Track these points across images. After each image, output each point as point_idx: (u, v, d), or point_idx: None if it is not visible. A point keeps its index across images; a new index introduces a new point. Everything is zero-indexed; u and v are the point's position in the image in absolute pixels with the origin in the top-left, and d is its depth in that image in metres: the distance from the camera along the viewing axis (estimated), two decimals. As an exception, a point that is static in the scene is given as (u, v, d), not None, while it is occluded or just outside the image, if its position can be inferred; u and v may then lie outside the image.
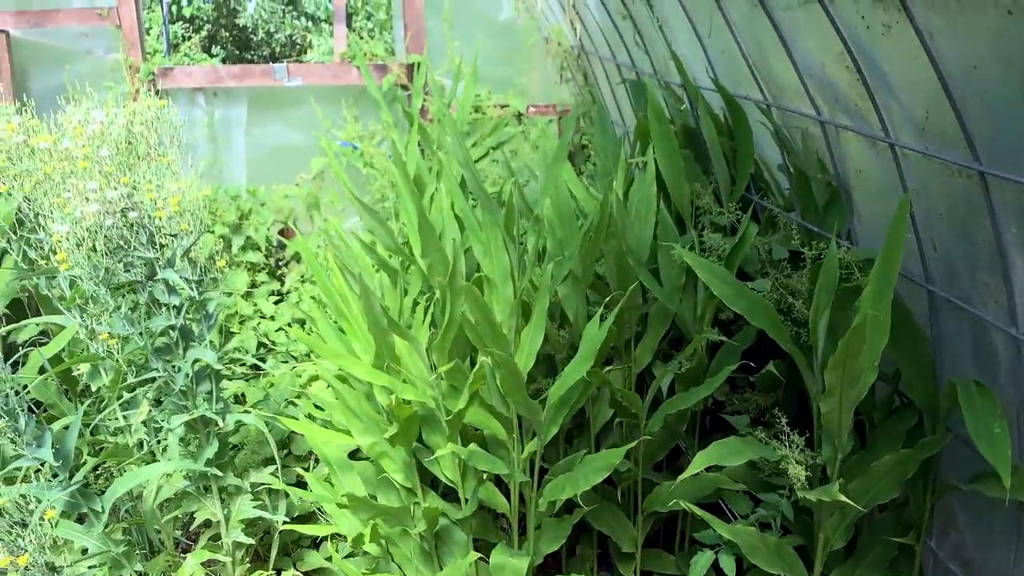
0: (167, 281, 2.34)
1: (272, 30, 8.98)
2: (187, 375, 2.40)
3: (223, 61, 8.11)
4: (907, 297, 1.96)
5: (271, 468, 2.69)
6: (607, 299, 2.37)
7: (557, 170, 2.43)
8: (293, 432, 3.02)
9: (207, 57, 7.50)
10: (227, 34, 8.85)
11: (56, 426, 2.36)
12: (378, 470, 2.48)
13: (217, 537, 2.69)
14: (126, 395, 2.54)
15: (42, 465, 2.18)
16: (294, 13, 9.16)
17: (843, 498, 1.80)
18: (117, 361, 2.48)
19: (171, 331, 2.40)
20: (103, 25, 4.64)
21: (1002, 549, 1.90)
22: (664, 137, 2.56)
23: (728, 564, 2.10)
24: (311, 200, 4.83)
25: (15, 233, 2.62)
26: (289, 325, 4.13)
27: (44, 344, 2.83)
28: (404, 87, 4.77)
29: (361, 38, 5.28)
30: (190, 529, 2.89)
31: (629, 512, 2.60)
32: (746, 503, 2.32)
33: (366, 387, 2.50)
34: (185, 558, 2.57)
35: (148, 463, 2.57)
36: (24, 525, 1.92)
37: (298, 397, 3.18)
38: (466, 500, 2.41)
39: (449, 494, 2.54)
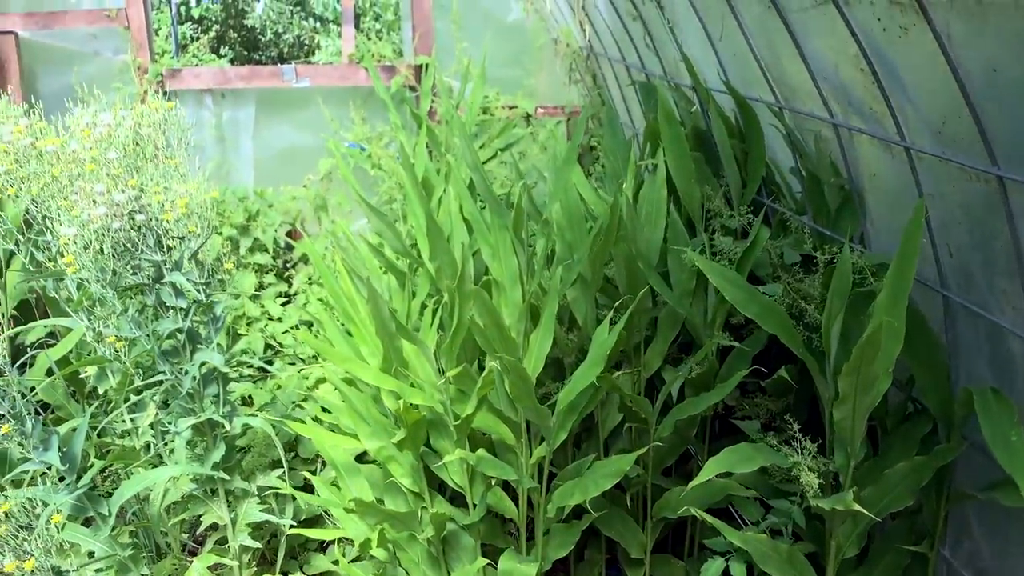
0: (174, 284, 2.33)
1: (280, 31, 8.99)
2: (194, 378, 2.39)
3: (231, 62, 8.12)
4: (922, 303, 1.93)
5: (278, 471, 2.67)
6: (617, 303, 2.35)
7: (566, 173, 2.41)
8: (300, 435, 3.01)
9: (215, 58, 7.50)
10: (235, 35, 8.86)
11: (63, 428, 2.35)
12: (385, 474, 2.47)
13: (224, 540, 2.68)
14: (133, 398, 2.54)
15: (48, 468, 2.18)
16: (302, 14, 9.17)
17: (857, 507, 1.78)
18: (124, 364, 2.48)
19: (178, 334, 2.39)
20: (112, 26, 4.65)
21: (1018, 559, 1.87)
22: (674, 139, 2.54)
23: (739, 572, 2.07)
24: (319, 202, 4.83)
25: (23, 235, 2.62)
26: (296, 327, 4.12)
27: (52, 346, 2.83)
28: (412, 88, 4.76)
29: (369, 39, 5.28)
30: (197, 532, 2.88)
31: (638, 517, 2.58)
32: (756, 509, 2.30)
33: (373, 390, 2.48)
34: (192, 561, 2.56)
35: (155, 466, 2.56)
36: (30, 529, 1.91)
37: (305, 400, 3.17)
38: (474, 505, 2.39)
39: (457, 498, 2.52)
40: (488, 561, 2.39)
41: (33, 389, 2.59)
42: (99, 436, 2.73)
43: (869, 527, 2.04)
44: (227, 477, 2.52)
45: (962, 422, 1.90)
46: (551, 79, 4.96)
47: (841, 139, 2.15)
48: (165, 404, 2.53)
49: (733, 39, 2.50)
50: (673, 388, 2.41)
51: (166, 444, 2.58)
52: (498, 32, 4.87)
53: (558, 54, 4.92)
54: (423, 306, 2.68)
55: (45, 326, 2.82)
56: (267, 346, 4.04)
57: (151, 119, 2.34)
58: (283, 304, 4.41)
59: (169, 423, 2.45)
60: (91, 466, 2.41)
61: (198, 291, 2.37)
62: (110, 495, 2.33)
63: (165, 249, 2.33)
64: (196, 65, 5.04)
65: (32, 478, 2.29)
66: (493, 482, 2.41)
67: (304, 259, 4.70)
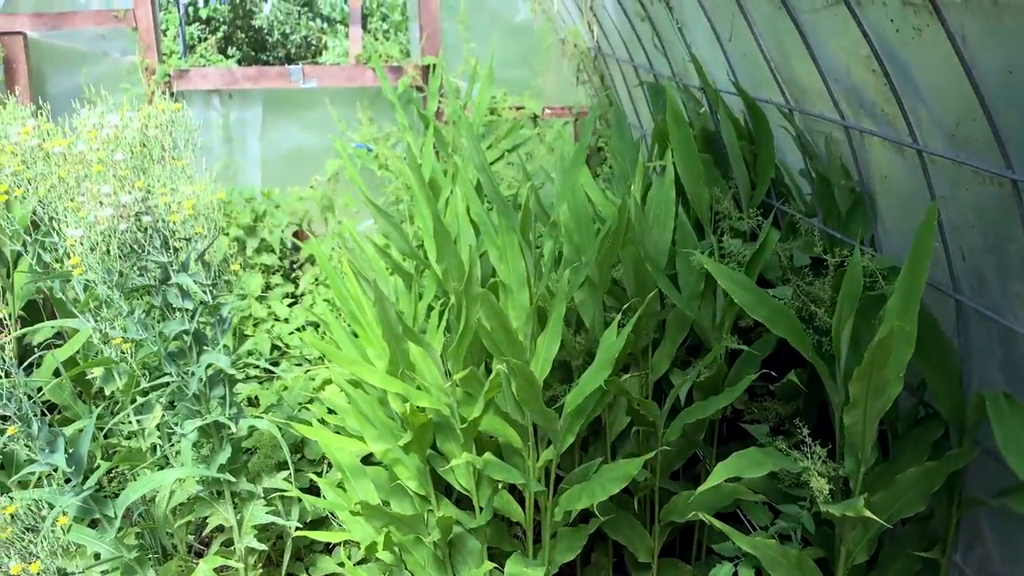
0: (181, 285, 2.33)
1: (288, 31, 9.00)
2: (200, 379, 2.38)
3: (239, 62, 8.13)
4: (933, 307, 1.91)
5: (284, 473, 2.67)
6: (625, 306, 2.34)
7: (574, 174, 2.39)
8: (306, 436, 3.00)
9: (223, 58, 7.52)
10: (243, 35, 8.88)
11: (70, 430, 2.35)
12: (392, 477, 2.46)
13: (230, 542, 2.68)
14: (139, 399, 2.53)
15: (55, 470, 2.17)
16: (310, 15, 9.18)
17: (868, 513, 1.76)
18: (130, 365, 2.47)
19: (184, 335, 2.38)
20: (120, 27, 4.65)
21: (1031, 566, 1.85)
22: (683, 141, 2.52)
23: (748, 577, 2.06)
24: (325, 202, 4.82)
25: (30, 236, 2.62)
26: (303, 328, 4.12)
27: (59, 346, 2.83)
28: (419, 89, 4.76)
29: (376, 40, 5.28)
30: (203, 534, 2.88)
31: (645, 521, 2.57)
32: (765, 514, 2.28)
33: (380, 393, 2.47)
34: (198, 563, 2.55)
35: (161, 467, 2.56)
36: (36, 531, 1.91)
37: (311, 402, 3.16)
38: (480, 509, 2.38)
39: (463, 501, 2.51)
40: (494, 565, 2.37)
41: (40, 390, 2.59)
42: (105, 437, 2.73)
43: (880, 532, 2.02)
44: (233, 479, 2.51)
45: (974, 427, 1.88)
46: (558, 80, 4.95)
47: (852, 141, 2.13)
48: (171, 405, 2.53)
49: (743, 39, 2.48)
50: (681, 391, 2.40)
51: (172, 446, 2.58)
52: (505, 32, 4.86)
53: (566, 55, 4.91)
54: (430, 308, 2.67)
55: (52, 327, 2.83)
56: (273, 347, 4.03)
57: (158, 120, 2.34)
58: (290, 305, 4.41)
59: (175, 425, 2.45)
60: (97, 467, 2.41)
61: (204, 292, 2.36)
62: (116, 496, 2.33)
63: (172, 250, 2.32)
64: (204, 66, 5.05)
65: (38, 479, 2.28)
66: (500, 485, 2.39)
67: (311, 260, 4.70)
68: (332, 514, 2.76)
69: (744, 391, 2.34)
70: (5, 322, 2.07)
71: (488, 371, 2.40)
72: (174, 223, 2.28)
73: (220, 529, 2.73)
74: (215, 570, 2.55)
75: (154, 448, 2.62)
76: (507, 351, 2.12)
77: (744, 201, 2.56)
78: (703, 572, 2.45)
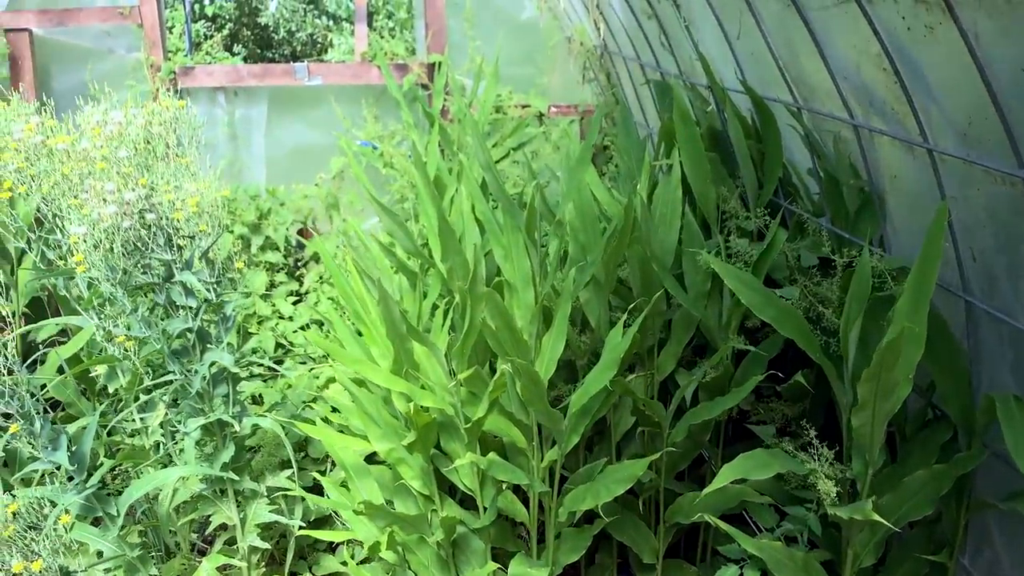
0: (184, 283, 2.32)
1: (293, 29, 8.99)
2: (204, 378, 2.37)
3: (244, 60, 8.13)
4: (943, 308, 1.89)
5: (288, 472, 2.66)
6: (630, 305, 2.32)
7: (580, 173, 2.38)
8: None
9: (229, 56, 7.51)
10: (249, 33, 8.87)
11: (73, 427, 2.34)
12: (395, 476, 2.45)
13: (233, 541, 2.67)
14: (143, 397, 2.53)
15: (57, 468, 2.17)
16: (315, 12, 9.17)
17: (877, 517, 1.74)
18: (134, 363, 2.47)
19: (188, 333, 2.37)
20: (125, 24, 4.65)
21: (1041, 570, 1.83)
22: (690, 139, 2.50)
23: (753, 580, 2.04)
24: (330, 200, 4.81)
25: (34, 233, 2.61)
26: (307, 326, 4.11)
27: (63, 343, 2.82)
28: (425, 87, 4.74)
29: (382, 37, 5.26)
30: (206, 532, 2.87)
31: (650, 522, 2.55)
32: (771, 515, 2.26)
33: (384, 392, 2.46)
34: (201, 562, 2.55)
35: (165, 465, 2.55)
36: (38, 529, 1.90)
37: (315, 400, 3.15)
38: (484, 509, 2.37)
39: (467, 501, 2.50)
40: (498, 565, 2.36)
41: (44, 387, 2.58)
42: (109, 435, 2.72)
43: (887, 535, 2.00)
44: (236, 477, 2.51)
45: (984, 430, 1.86)
46: (564, 78, 4.93)
47: (861, 140, 2.11)
48: (175, 403, 2.52)
49: (751, 38, 2.46)
50: (687, 392, 2.38)
51: (176, 443, 2.57)
52: (511, 30, 4.84)
53: (572, 52, 4.89)
54: (434, 307, 2.65)
55: (57, 324, 2.82)
56: (277, 345, 4.03)
57: (162, 117, 2.33)
58: (294, 303, 4.40)
59: (179, 423, 2.44)
60: (100, 465, 2.40)
61: (208, 290, 2.36)
62: (119, 494, 2.32)
63: (175, 248, 2.31)
64: (209, 63, 5.04)
65: (41, 477, 2.28)
66: (504, 485, 2.38)
67: (315, 258, 4.69)
68: (335, 513, 2.75)
69: (750, 392, 2.32)
70: (8, 319, 2.07)
71: (492, 371, 2.39)
72: (178, 220, 2.27)
73: (223, 527, 2.72)
74: (218, 569, 2.54)
75: (157, 446, 2.61)
76: (512, 350, 2.11)
77: (751, 200, 2.54)
78: (708, 574, 2.44)
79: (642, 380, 2.45)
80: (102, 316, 2.41)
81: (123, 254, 2.24)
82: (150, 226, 2.26)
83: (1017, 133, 1.47)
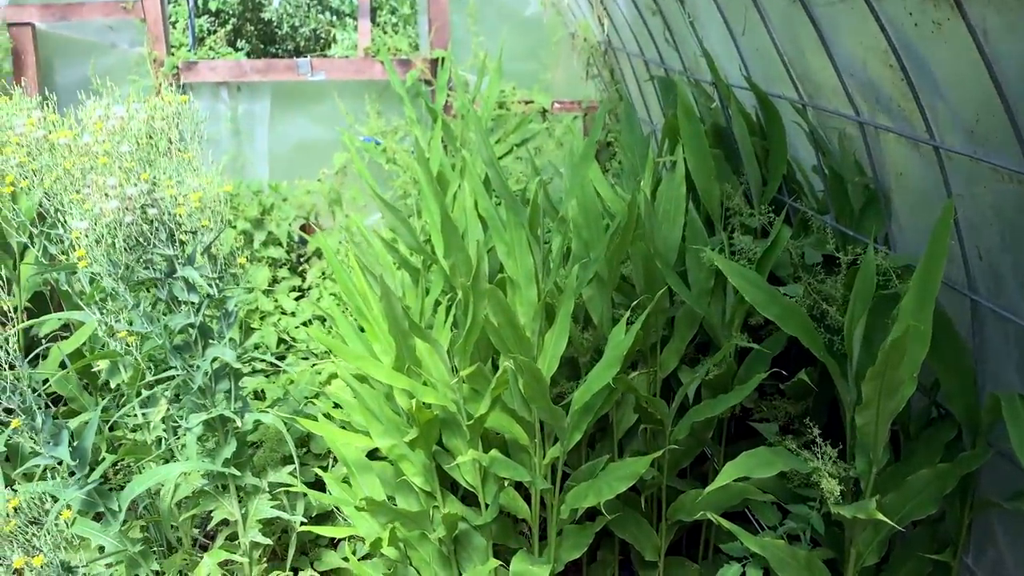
0: (186, 279, 2.32)
1: (297, 24, 8.98)
2: (206, 373, 2.37)
3: (248, 55, 8.12)
4: (948, 306, 1.88)
5: (289, 467, 2.66)
6: (634, 302, 2.31)
7: (583, 169, 2.37)
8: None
9: (232, 51, 7.51)
10: (252, 28, 8.86)
11: (75, 422, 2.34)
12: (397, 472, 2.45)
13: (234, 536, 2.67)
14: (145, 392, 2.53)
15: (59, 463, 2.17)
16: (319, 7, 9.15)
17: (880, 516, 1.73)
18: (136, 358, 2.46)
19: (190, 329, 2.37)
20: (128, 18, 4.64)
21: (1045, 570, 1.82)
22: (694, 136, 2.49)
23: (756, 578, 2.04)
24: (333, 196, 4.81)
25: (36, 228, 2.61)
26: (309, 322, 4.11)
27: (66, 338, 2.82)
28: (428, 82, 4.73)
29: (385, 33, 5.25)
30: (207, 528, 2.87)
31: (652, 519, 2.55)
32: (774, 513, 2.26)
33: (386, 388, 2.46)
34: (202, 557, 2.55)
35: (166, 461, 2.55)
36: (40, 524, 1.90)
37: (316, 396, 3.15)
38: (486, 505, 2.37)
39: (469, 497, 2.50)
40: (500, 562, 2.36)
41: (46, 382, 2.58)
42: (111, 430, 2.72)
43: (890, 534, 1.99)
44: (238, 473, 2.51)
45: (988, 429, 1.85)
46: (568, 74, 4.91)
47: (867, 137, 2.10)
48: (177, 399, 2.52)
49: (756, 34, 2.44)
50: (690, 389, 2.38)
51: (178, 439, 2.57)
52: (515, 26, 4.82)
53: (575, 48, 4.87)
54: (437, 303, 2.65)
55: (59, 319, 2.82)
56: (280, 340, 4.02)
57: (164, 112, 2.32)
58: (296, 298, 4.40)
59: (180, 418, 2.44)
60: (102, 460, 2.40)
61: (210, 286, 2.35)
62: (121, 489, 2.32)
63: (178, 243, 2.31)
64: (212, 58, 5.03)
65: (43, 472, 2.28)
66: (506, 482, 2.38)
67: (318, 253, 4.69)
68: (337, 509, 2.75)
69: (753, 389, 2.31)
70: (10, 314, 2.06)
71: (495, 367, 2.38)
72: (180, 216, 2.27)
73: (225, 523, 2.72)
74: (220, 564, 2.54)
75: (159, 441, 2.61)
76: (514, 347, 2.10)
77: (755, 197, 2.53)
78: (710, 571, 2.43)
79: (645, 377, 2.44)
80: (104, 311, 2.40)
81: (125, 249, 2.23)
82: (152, 221, 2.26)
83: (1025, 131, 1.46)
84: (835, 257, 2.14)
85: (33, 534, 1.88)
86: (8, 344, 2.03)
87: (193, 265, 2.32)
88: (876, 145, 2.09)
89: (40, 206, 2.46)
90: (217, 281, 2.37)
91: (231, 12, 8.76)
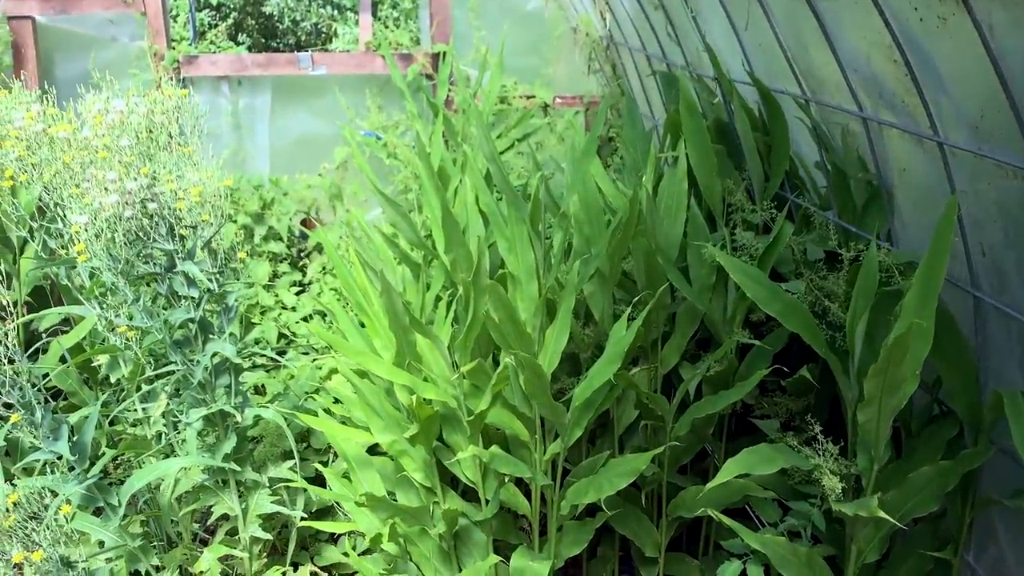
0: (186, 273, 2.31)
1: (298, 18, 8.96)
2: (206, 368, 2.37)
3: (249, 49, 8.10)
4: (951, 303, 1.87)
5: (290, 463, 2.65)
6: (635, 298, 2.31)
7: (585, 164, 2.36)
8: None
9: (233, 45, 7.49)
10: (253, 22, 8.84)
11: (75, 417, 2.34)
12: (397, 468, 2.44)
13: (235, 531, 2.67)
14: (145, 387, 2.52)
15: (59, 458, 2.16)
16: (320, 1, 9.13)
17: (882, 513, 1.73)
18: (136, 353, 2.46)
19: (190, 324, 2.37)
20: (128, 12, 4.63)
21: (1047, 568, 1.82)
22: (696, 131, 2.48)
23: (756, 575, 2.03)
24: (334, 190, 4.80)
25: (36, 222, 2.60)
26: (310, 317, 4.10)
27: (66, 332, 2.82)
28: (429, 77, 4.72)
29: (386, 27, 5.23)
30: (208, 523, 2.87)
31: (653, 516, 2.54)
32: (774, 510, 2.25)
33: (386, 384, 2.45)
34: (202, 552, 2.55)
35: (167, 455, 2.55)
36: (39, 519, 1.90)
37: (317, 391, 3.14)
38: (486, 501, 2.36)
39: (469, 493, 2.49)
40: (500, 558, 2.36)
41: (46, 376, 2.58)
42: (111, 425, 2.72)
43: (891, 531, 1.99)
44: (238, 468, 2.50)
45: (991, 426, 1.85)
46: (570, 68, 4.89)
47: (870, 133, 2.08)
48: (177, 393, 2.52)
49: (759, 28, 2.43)
50: (691, 386, 2.37)
51: (178, 433, 2.57)
52: (516, 20, 4.81)
53: (577, 43, 4.86)
54: (437, 299, 2.64)
55: (59, 313, 2.82)
56: (280, 335, 4.02)
57: (165, 106, 2.31)
58: (297, 293, 4.39)
59: (180, 413, 2.44)
60: (102, 455, 2.40)
61: (210, 281, 2.34)
62: (121, 484, 2.32)
63: (178, 238, 2.30)
64: (213, 52, 5.01)
65: (43, 467, 2.27)
66: (506, 478, 2.37)
67: (319, 248, 4.68)
68: (337, 504, 2.75)
69: (755, 386, 2.30)
70: (9, 309, 2.06)
71: (496, 363, 2.38)
72: (180, 210, 2.26)
73: (225, 518, 2.72)
74: (220, 559, 2.54)
75: (159, 436, 2.61)
76: (515, 343, 2.10)
77: (757, 193, 2.52)
78: (710, 567, 2.43)
79: (646, 373, 2.44)
80: (104, 306, 2.40)
81: (125, 244, 2.23)
82: (152, 216, 2.25)
83: (1030, 127, 1.45)
84: (837, 253, 2.13)
85: (33, 529, 1.88)
86: (8, 338, 2.02)
87: (193, 260, 2.32)
88: (879, 141, 2.08)
89: (40, 200, 2.46)
90: (217, 276, 2.36)
91: (232, 6, 8.73)
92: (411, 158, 4.37)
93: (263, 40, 8.78)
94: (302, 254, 4.76)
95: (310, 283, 4.49)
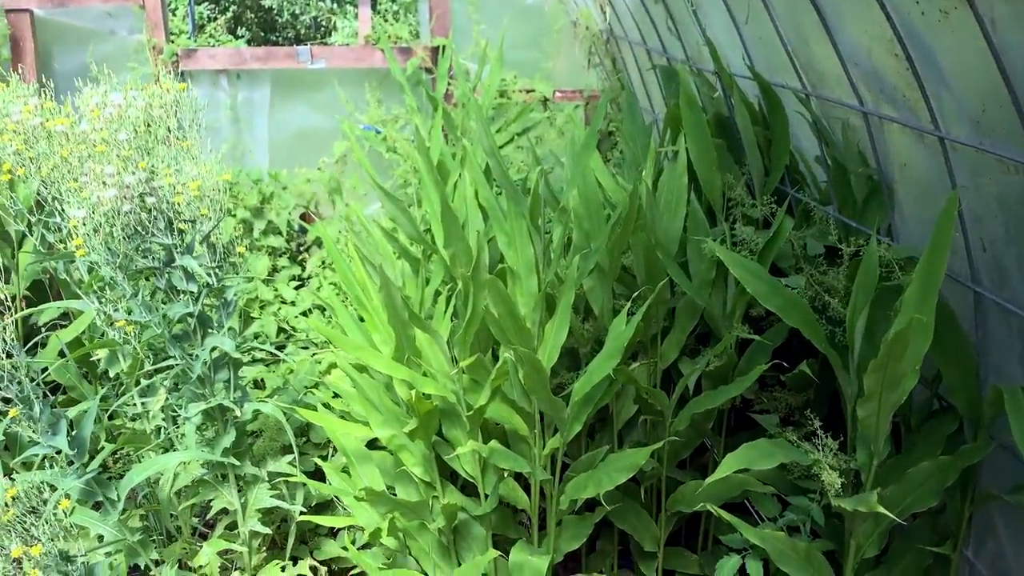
0: (185, 267, 2.30)
1: (297, 12, 8.93)
2: (205, 363, 2.36)
3: (248, 43, 8.08)
4: (951, 298, 1.87)
5: (289, 457, 2.65)
6: (635, 293, 2.30)
7: (585, 159, 2.35)
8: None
9: (232, 39, 7.47)
10: (252, 16, 8.81)
11: (73, 411, 2.34)
12: (397, 463, 2.44)
13: (234, 525, 2.67)
14: (144, 381, 2.52)
15: (58, 452, 2.16)
16: (319, -5, 9.09)
17: (881, 509, 1.73)
18: (135, 347, 2.46)
19: (189, 318, 2.36)
20: (127, 5, 4.61)
21: (1046, 563, 1.82)
22: (696, 126, 2.48)
23: (755, 570, 2.03)
24: (333, 185, 4.79)
25: (34, 216, 2.60)
26: (309, 311, 4.10)
27: (65, 327, 2.81)
28: (428, 70, 4.71)
29: (386, 20, 5.21)
30: (207, 517, 2.87)
31: (652, 510, 2.55)
32: (773, 504, 2.26)
33: (385, 378, 2.45)
34: (202, 546, 2.55)
35: (166, 450, 2.55)
36: (38, 513, 1.90)
37: (316, 386, 3.14)
38: (486, 496, 2.36)
39: (468, 487, 2.49)
40: (499, 552, 2.36)
41: (45, 370, 2.58)
42: (110, 419, 2.72)
43: (890, 526, 1.99)
44: (237, 462, 2.50)
45: (990, 422, 1.84)
46: (570, 62, 4.88)
47: (871, 127, 2.08)
48: (176, 388, 2.52)
49: (759, 22, 2.42)
50: (690, 381, 2.37)
51: (177, 428, 2.57)
52: (516, 14, 4.79)
53: (577, 37, 4.84)
54: (437, 294, 2.64)
55: (58, 308, 2.81)
56: (280, 330, 4.02)
57: (163, 100, 2.30)
58: (296, 287, 4.39)
59: (179, 407, 2.44)
60: (101, 449, 2.40)
61: (209, 275, 2.34)
62: (120, 478, 2.32)
63: (176, 232, 2.30)
64: (212, 46, 5.00)
65: (42, 461, 2.27)
66: (506, 473, 2.37)
67: (318, 242, 4.68)
68: (337, 498, 2.75)
69: (754, 381, 2.30)
70: (7, 303, 2.05)
71: (495, 358, 2.38)
72: (179, 204, 2.26)
73: (224, 512, 2.72)
74: (219, 553, 2.54)
75: (158, 430, 2.61)
76: (515, 338, 2.10)
77: (757, 188, 2.51)
78: (709, 562, 2.43)
79: (645, 368, 2.43)
80: (103, 300, 2.39)
81: (123, 238, 2.22)
82: (150, 210, 2.24)
83: (1032, 121, 1.45)
84: (837, 248, 2.13)
85: (32, 523, 1.88)
86: (6, 333, 2.02)
87: (192, 254, 2.31)
88: (880, 135, 2.07)
89: (38, 194, 2.45)
90: (216, 270, 2.36)
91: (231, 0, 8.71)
92: (410, 152, 4.36)
93: (262, 34, 8.75)
94: (301, 248, 4.76)
95: (309, 277, 4.49)
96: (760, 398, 2.44)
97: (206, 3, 8.47)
